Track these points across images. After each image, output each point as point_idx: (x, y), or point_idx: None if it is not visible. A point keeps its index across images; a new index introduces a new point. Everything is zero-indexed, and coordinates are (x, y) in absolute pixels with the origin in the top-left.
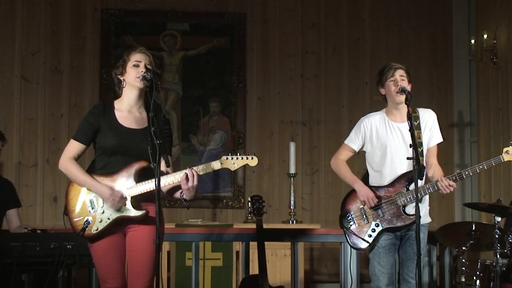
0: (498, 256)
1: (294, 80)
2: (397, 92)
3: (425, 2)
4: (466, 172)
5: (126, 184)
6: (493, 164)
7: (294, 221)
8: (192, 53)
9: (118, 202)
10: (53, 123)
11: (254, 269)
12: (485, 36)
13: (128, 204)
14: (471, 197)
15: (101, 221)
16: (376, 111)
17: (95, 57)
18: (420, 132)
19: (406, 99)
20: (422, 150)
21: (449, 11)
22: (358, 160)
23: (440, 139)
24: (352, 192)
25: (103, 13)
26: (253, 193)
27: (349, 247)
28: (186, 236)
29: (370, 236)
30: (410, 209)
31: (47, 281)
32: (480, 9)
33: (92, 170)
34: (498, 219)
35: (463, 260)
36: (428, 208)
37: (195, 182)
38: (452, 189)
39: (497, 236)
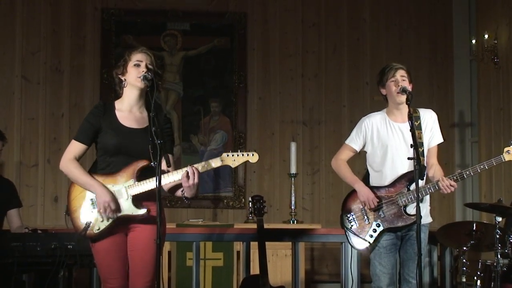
0: (499, 256)
1: (294, 80)
2: (398, 92)
3: (426, 2)
4: (467, 172)
5: (127, 183)
6: (494, 164)
7: (295, 221)
8: (193, 53)
9: (110, 213)
10: (54, 122)
11: (255, 269)
12: (486, 36)
13: (129, 203)
14: (472, 197)
15: (102, 221)
16: (377, 111)
17: (95, 57)
18: (421, 132)
19: (407, 99)
20: (423, 150)
21: (449, 11)
22: (359, 160)
23: (441, 139)
24: (353, 192)
25: (104, 13)
26: (254, 193)
27: (350, 247)
28: (186, 236)
29: (371, 236)
30: (411, 209)
31: (48, 281)
32: (480, 9)
33: (93, 170)
34: (499, 219)
35: (464, 260)
36: (429, 208)
37: (196, 180)
38: (453, 189)
39: (497, 236)
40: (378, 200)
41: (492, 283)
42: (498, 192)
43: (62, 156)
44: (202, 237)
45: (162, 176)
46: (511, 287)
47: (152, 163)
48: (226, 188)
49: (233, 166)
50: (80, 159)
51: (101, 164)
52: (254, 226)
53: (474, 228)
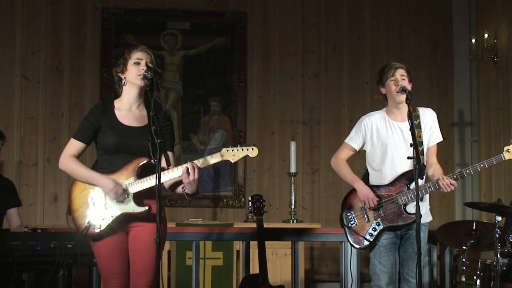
0: (498, 256)
1: (294, 80)
2: (397, 92)
3: (426, 2)
4: (467, 171)
5: (128, 181)
6: (494, 163)
7: (295, 220)
8: (193, 52)
9: (121, 194)
10: (54, 122)
11: (254, 269)
12: (486, 35)
13: (130, 200)
14: (472, 197)
15: (104, 219)
16: (377, 110)
17: (95, 56)
18: (421, 131)
19: (407, 99)
20: (423, 149)
21: (449, 11)
22: (359, 160)
23: (440, 138)
24: (353, 191)
25: (104, 12)
26: (254, 192)
27: (349, 246)
28: (186, 235)
29: (371, 235)
30: (411, 208)
31: (48, 280)
32: (480, 8)
33: (94, 170)
34: (499, 218)
35: (464, 260)
36: (428, 207)
37: (196, 176)
38: (453, 188)
39: (497, 235)
40: (378, 199)
41: (492, 283)
42: (497, 192)
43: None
44: (202, 236)
45: (162, 173)
46: (510, 286)
47: (152, 161)
48: (226, 188)
49: (233, 161)
50: (79, 158)
51: (102, 163)
52: (254, 225)
53: (474, 228)
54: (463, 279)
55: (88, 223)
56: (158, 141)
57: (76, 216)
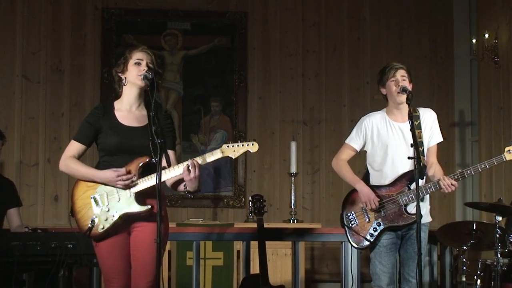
0: (499, 256)
1: (295, 79)
2: (398, 92)
3: (426, 2)
4: (468, 171)
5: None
6: (495, 163)
7: (295, 220)
8: (193, 52)
9: (127, 179)
10: (54, 122)
11: (255, 269)
12: (486, 35)
13: (133, 200)
14: (472, 197)
15: (106, 220)
16: (377, 110)
17: (96, 56)
18: (421, 132)
19: (407, 99)
20: (423, 149)
21: (450, 10)
22: (359, 160)
23: (440, 139)
24: (353, 191)
25: (104, 12)
26: (254, 192)
27: (350, 246)
28: (187, 235)
29: (371, 235)
30: (412, 208)
31: (48, 281)
32: (481, 8)
33: None
34: (499, 218)
35: (464, 260)
36: (428, 207)
37: (197, 173)
38: (454, 188)
39: (498, 235)
40: (379, 200)
41: (492, 283)
42: (498, 192)
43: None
44: (202, 236)
45: (163, 171)
46: (511, 286)
47: (153, 160)
48: (226, 188)
49: (233, 157)
50: (79, 159)
51: (103, 164)
52: (254, 225)
53: (474, 228)
54: (464, 279)
55: (91, 224)
56: (159, 141)
57: (79, 218)
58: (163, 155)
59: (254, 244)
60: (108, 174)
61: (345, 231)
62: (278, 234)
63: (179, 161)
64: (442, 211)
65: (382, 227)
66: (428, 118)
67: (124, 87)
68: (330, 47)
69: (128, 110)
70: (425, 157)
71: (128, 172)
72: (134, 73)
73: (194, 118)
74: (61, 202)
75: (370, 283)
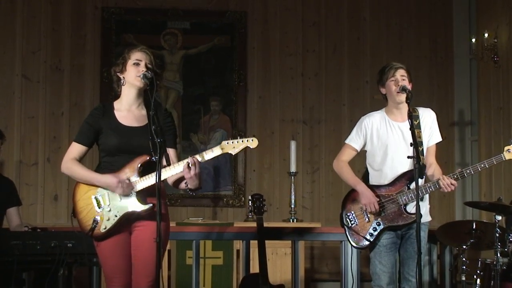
0: (498, 255)
1: (294, 79)
2: (397, 92)
3: (426, 1)
4: (468, 171)
5: (130, 179)
6: (495, 163)
7: (295, 219)
8: (193, 51)
9: (127, 187)
10: (54, 121)
11: (254, 268)
12: (486, 35)
13: (134, 199)
14: (472, 196)
15: (108, 219)
16: (377, 110)
17: (95, 56)
18: (420, 131)
19: (407, 98)
20: (423, 149)
21: (449, 10)
22: (359, 159)
23: (439, 138)
24: (353, 191)
25: (104, 12)
26: (254, 191)
27: (349, 245)
28: (186, 234)
29: (371, 235)
30: (411, 208)
31: (48, 280)
32: (480, 8)
33: (97, 172)
34: (499, 218)
35: (464, 259)
36: (428, 206)
37: (197, 170)
38: (453, 187)
39: (497, 235)
40: (379, 201)
41: (492, 282)
42: (498, 191)
43: (62, 157)
44: (202, 235)
45: (164, 169)
46: (510, 286)
47: (153, 158)
48: (226, 187)
49: (233, 153)
50: (81, 161)
51: (104, 165)
52: (254, 224)
53: (474, 227)
54: (463, 278)
55: (93, 224)
56: (158, 140)
57: (81, 218)
58: (163, 154)
59: (253, 244)
60: (109, 179)
61: (344, 231)
62: (278, 234)
63: (178, 160)
64: (441, 210)
65: (381, 226)
66: (428, 117)
67: (123, 87)
68: (330, 47)
69: (127, 110)
70: (424, 157)
71: (129, 183)
72: (133, 74)
73: (194, 118)
74: (60, 201)
75: (370, 282)
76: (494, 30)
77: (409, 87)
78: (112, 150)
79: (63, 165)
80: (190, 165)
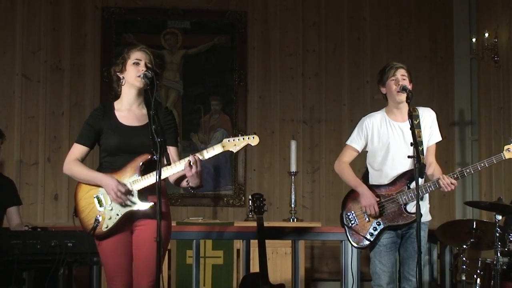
0: (498, 255)
1: (295, 79)
2: (398, 91)
3: (426, 1)
4: (468, 170)
5: (131, 178)
6: (494, 162)
7: (295, 219)
8: (193, 51)
9: (121, 196)
10: (54, 121)
11: (254, 267)
12: (486, 34)
13: (135, 198)
14: (472, 196)
15: (110, 218)
16: (377, 109)
17: (96, 55)
18: (420, 131)
19: (407, 98)
20: (423, 148)
21: (449, 10)
22: (359, 159)
23: (439, 138)
24: (353, 191)
25: (104, 11)
26: (254, 191)
27: (350, 245)
28: (187, 234)
29: (371, 234)
30: (411, 207)
31: (48, 279)
32: (481, 8)
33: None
34: (499, 217)
35: (464, 259)
36: (428, 206)
37: (199, 168)
38: (453, 187)
39: (497, 234)
40: (378, 200)
41: (492, 282)
42: (498, 191)
43: (63, 157)
44: (202, 235)
45: (165, 168)
46: (511, 285)
47: (154, 157)
48: (226, 186)
49: (234, 151)
50: (82, 161)
51: (106, 165)
52: (254, 224)
53: (474, 227)
54: (463, 278)
55: (95, 223)
56: (159, 140)
57: (83, 217)
58: (163, 153)
59: (254, 243)
60: (110, 181)
61: (345, 231)
62: (278, 233)
63: (179, 158)
64: (442, 210)
65: (382, 226)
66: (428, 117)
67: (122, 87)
68: (330, 47)
69: (128, 109)
70: (424, 156)
71: (127, 191)
72: (133, 74)
73: (194, 117)
74: (61, 200)
75: (370, 282)
76: (494, 29)
77: (409, 87)
78: (113, 150)
79: (64, 166)
80: (191, 163)
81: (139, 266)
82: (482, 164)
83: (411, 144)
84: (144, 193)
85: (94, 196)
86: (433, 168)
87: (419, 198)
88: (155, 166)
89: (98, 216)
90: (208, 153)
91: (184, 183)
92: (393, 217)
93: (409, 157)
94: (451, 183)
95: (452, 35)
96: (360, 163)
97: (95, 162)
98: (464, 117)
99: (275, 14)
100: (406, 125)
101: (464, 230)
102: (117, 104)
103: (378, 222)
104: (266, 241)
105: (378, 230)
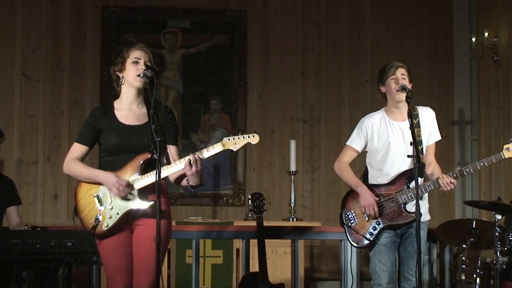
0: (498, 254)
1: (294, 78)
2: (397, 90)
3: (426, 1)
4: (467, 169)
5: (132, 177)
6: (494, 161)
7: (295, 218)
8: (193, 50)
9: (123, 190)
10: (54, 120)
11: (254, 267)
12: (486, 34)
13: (136, 197)
14: (472, 195)
15: (110, 217)
16: (377, 109)
17: (95, 55)
18: (420, 130)
19: (407, 97)
20: (422, 148)
21: (449, 9)
22: (359, 159)
23: (439, 137)
24: (353, 190)
25: (104, 10)
26: (254, 190)
27: (349, 244)
28: (186, 233)
29: (371, 234)
30: (411, 207)
31: (48, 279)
32: (480, 7)
33: None
34: (499, 217)
35: (463, 258)
36: (428, 205)
37: (199, 167)
38: (453, 186)
39: (497, 234)
40: (378, 200)
41: (492, 281)
42: (497, 190)
43: (62, 156)
44: (202, 234)
45: (165, 167)
46: (510, 285)
47: (154, 156)
48: (226, 186)
49: (235, 149)
50: (82, 161)
51: (105, 164)
52: (254, 223)
53: (474, 226)
54: (463, 278)
55: (95, 222)
56: (158, 139)
57: (83, 217)
58: (163, 153)
59: (253, 242)
60: (109, 176)
61: (344, 230)
62: (278, 233)
63: (179, 157)
64: (441, 209)
65: (381, 225)
66: (427, 116)
67: (122, 86)
68: (330, 46)
69: (128, 109)
70: (424, 156)
71: (127, 185)
72: (132, 73)
73: (194, 117)
74: (60, 200)
75: (369, 281)
76: (494, 29)
77: (409, 86)
78: (113, 149)
79: (64, 166)
80: (191, 162)
81: (139, 266)
82: (481, 164)
83: (411, 144)
84: (144, 192)
85: (94, 195)
86: (432, 167)
87: (418, 197)
88: (155, 165)
89: (98, 215)
90: (208, 152)
91: (184, 182)
92: (393, 217)
93: (408, 156)
94: (451, 183)
95: (452, 35)
96: (360, 163)
97: (95, 161)
98: (463, 117)
99: (275, 13)
100: (406, 124)
101: (464, 230)
102: (116, 104)
103: (378, 221)
104: (266, 240)
105: (378, 230)
